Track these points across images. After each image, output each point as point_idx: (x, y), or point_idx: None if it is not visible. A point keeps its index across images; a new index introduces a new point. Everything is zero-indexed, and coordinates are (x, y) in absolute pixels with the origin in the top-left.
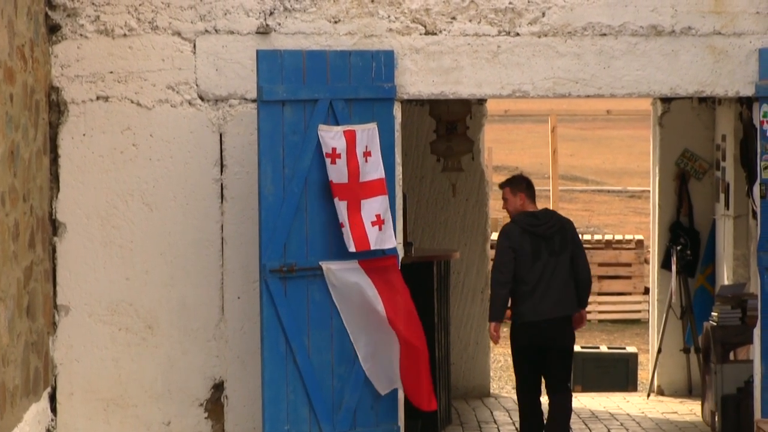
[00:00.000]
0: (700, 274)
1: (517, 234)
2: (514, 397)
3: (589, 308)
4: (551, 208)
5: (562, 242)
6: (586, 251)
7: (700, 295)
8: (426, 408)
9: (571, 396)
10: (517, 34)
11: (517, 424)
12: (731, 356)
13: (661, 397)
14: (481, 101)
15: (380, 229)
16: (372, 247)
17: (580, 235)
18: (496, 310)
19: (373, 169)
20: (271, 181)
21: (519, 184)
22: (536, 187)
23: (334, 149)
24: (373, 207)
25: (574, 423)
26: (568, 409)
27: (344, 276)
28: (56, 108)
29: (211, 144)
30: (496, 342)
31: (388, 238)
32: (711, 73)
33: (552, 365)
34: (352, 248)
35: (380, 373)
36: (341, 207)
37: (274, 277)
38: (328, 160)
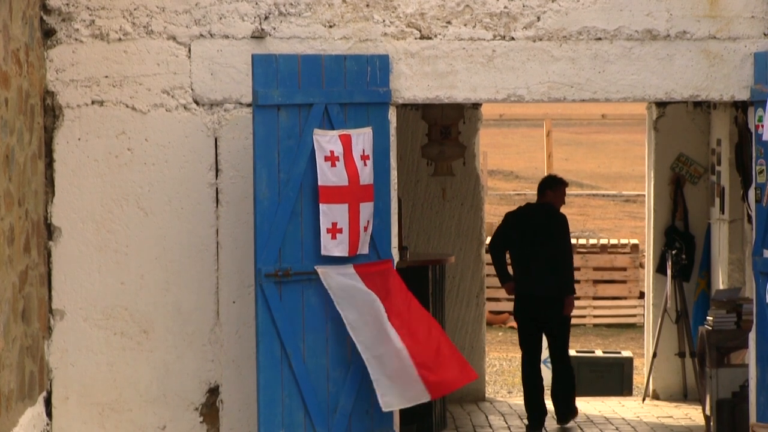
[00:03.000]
0: (701, 279)
1: (512, 218)
2: (510, 401)
3: (584, 312)
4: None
5: (550, 232)
6: (582, 255)
7: (702, 299)
8: (467, 381)
9: (570, 366)
10: (512, 39)
11: (513, 428)
12: (726, 360)
13: (656, 402)
14: (476, 105)
15: (366, 233)
16: (358, 252)
17: (575, 239)
18: (499, 275)
19: (369, 174)
20: (267, 185)
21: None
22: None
23: (332, 152)
24: (367, 211)
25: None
26: (568, 377)
27: (341, 280)
28: (51, 112)
29: (206, 148)
30: (509, 293)
31: (364, 243)
32: (706, 78)
33: (548, 337)
34: (345, 253)
35: (383, 380)
36: (339, 210)
37: (269, 281)
38: (327, 164)
